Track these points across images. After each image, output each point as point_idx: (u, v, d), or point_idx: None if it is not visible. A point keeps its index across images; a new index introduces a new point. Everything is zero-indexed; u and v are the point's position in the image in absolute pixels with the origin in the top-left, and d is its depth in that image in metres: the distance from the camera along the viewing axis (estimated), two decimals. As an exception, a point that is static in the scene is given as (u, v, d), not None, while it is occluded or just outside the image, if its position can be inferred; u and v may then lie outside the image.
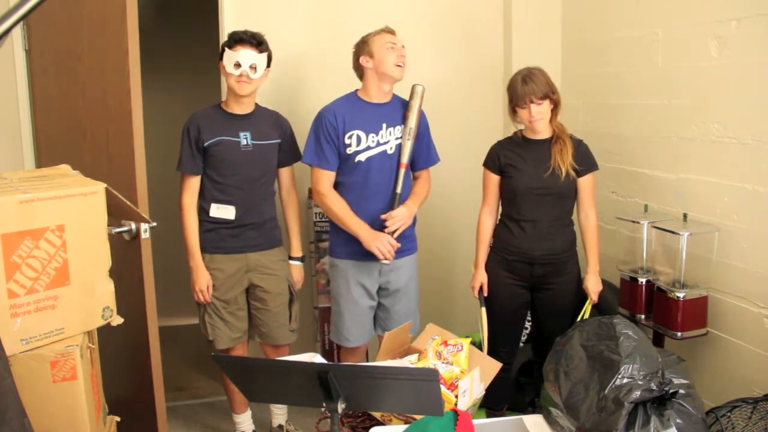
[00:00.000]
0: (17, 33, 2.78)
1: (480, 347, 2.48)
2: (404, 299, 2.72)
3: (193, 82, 4.18)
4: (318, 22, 3.29)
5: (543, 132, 2.53)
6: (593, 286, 2.58)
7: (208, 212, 2.61)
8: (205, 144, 2.57)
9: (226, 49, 2.53)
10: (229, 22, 3.13)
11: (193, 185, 2.63)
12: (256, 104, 2.69)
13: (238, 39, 2.52)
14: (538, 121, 2.45)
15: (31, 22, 2.75)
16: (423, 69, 3.09)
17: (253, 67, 2.52)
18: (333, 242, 2.70)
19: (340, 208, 2.57)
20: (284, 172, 2.76)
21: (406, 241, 2.65)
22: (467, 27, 3.49)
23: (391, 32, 2.60)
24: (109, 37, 2.25)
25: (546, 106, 2.45)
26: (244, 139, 2.60)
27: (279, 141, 2.69)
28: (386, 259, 2.52)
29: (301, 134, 2.83)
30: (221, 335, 2.67)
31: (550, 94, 2.45)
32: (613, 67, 3.06)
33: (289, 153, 2.74)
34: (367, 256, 2.58)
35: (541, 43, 3.43)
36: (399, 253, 2.58)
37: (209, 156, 2.58)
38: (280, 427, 2.95)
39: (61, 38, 2.59)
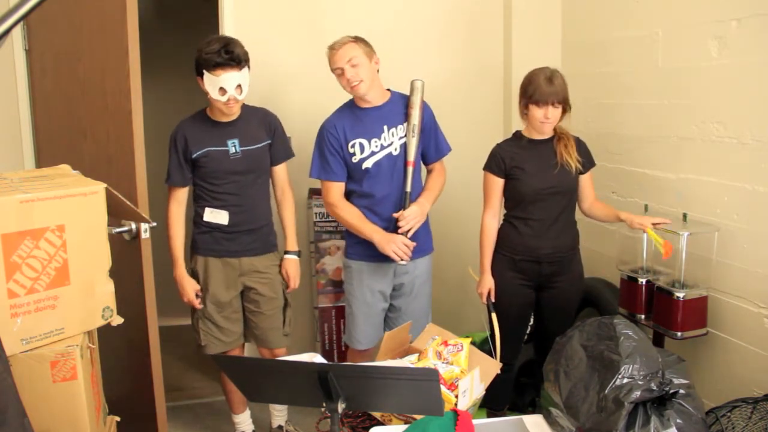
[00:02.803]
0: (17, 33, 2.78)
1: (480, 347, 2.47)
2: (417, 301, 2.71)
3: (193, 82, 4.16)
4: (321, 22, 3.28)
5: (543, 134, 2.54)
6: (642, 220, 2.44)
7: (202, 216, 2.59)
8: (193, 156, 2.53)
9: (205, 72, 2.40)
10: (229, 22, 3.13)
11: (180, 196, 2.61)
12: (242, 105, 2.61)
13: (217, 63, 2.38)
14: (549, 124, 2.46)
15: (31, 22, 2.75)
16: (423, 69, 3.08)
17: (238, 88, 2.44)
18: (347, 243, 2.70)
19: (351, 215, 2.57)
20: (278, 170, 2.71)
21: (421, 242, 2.63)
22: (467, 27, 3.49)
23: (335, 49, 2.50)
24: (109, 37, 2.25)
25: (559, 111, 2.45)
26: (233, 147, 2.54)
27: (269, 141, 2.64)
28: (403, 260, 2.52)
29: (308, 132, 2.80)
30: (213, 341, 2.65)
31: (566, 101, 2.45)
32: (613, 67, 3.06)
33: (280, 150, 2.69)
34: (380, 257, 2.57)
35: (541, 43, 3.43)
36: (414, 254, 2.56)
37: (198, 167, 2.55)
38: (280, 428, 2.94)
39: (61, 38, 2.59)
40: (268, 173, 2.70)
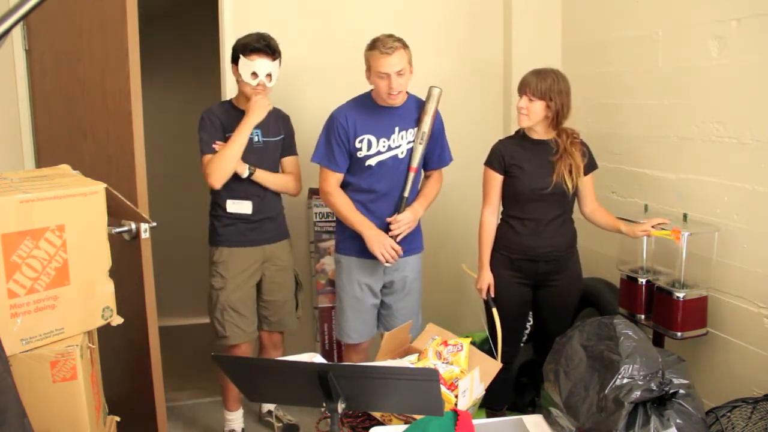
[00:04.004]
0: (17, 33, 2.78)
1: (480, 347, 2.47)
2: (407, 298, 2.72)
3: (193, 81, 4.18)
4: (320, 21, 3.29)
5: (539, 133, 2.53)
6: (643, 227, 2.45)
7: (224, 208, 2.65)
8: (226, 135, 2.60)
9: (241, 56, 2.55)
10: (228, 22, 3.13)
11: None
12: None
13: (254, 49, 2.53)
14: (523, 115, 2.48)
15: (31, 22, 2.75)
16: (423, 69, 3.08)
17: (269, 76, 2.58)
18: (338, 239, 2.72)
19: (344, 206, 2.58)
20: (288, 162, 2.80)
21: (412, 240, 2.66)
22: (467, 27, 3.49)
23: (389, 54, 2.41)
24: (109, 37, 2.25)
25: (538, 106, 2.44)
26: (256, 136, 2.66)
27: (283, 136, 2.76)
28: (388, 262, 2.54)
29: (302, 134, 2.82)
30: (236, 331, 2.69)
31: (547, 99, 2.43)
32: (613, 67, 3.06)
33: (289, 145, 2.81)
34: (370, 254, 2.59)
35: (541, 43, 3.43)
36: (405, 252, 2.59)
37: None
38: (270, 413, 3.02)
39: (61, 38, 2.59)
40: (278, 169, 2.79)
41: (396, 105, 2.55)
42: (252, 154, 2.62)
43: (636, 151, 2.94)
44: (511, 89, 3.42)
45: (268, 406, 3.03)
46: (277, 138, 2.73)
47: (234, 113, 2.64)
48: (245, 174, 2.60)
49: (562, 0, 3.45)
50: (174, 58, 4.20)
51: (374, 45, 2.46)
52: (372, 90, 2.61)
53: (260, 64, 2.54)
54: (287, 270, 2.82)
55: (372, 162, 2.56)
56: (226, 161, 2.54)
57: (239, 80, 2.60)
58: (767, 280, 2.28)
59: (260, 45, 2.54)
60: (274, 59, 2.59)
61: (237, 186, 2.62)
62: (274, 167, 2.75)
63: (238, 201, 2.65)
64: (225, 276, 2.66)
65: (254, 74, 2.55)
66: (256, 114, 2.55)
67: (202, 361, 3.69)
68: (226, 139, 2.59)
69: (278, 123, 2.75)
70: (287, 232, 2.85)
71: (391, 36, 2.47)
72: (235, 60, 2.59)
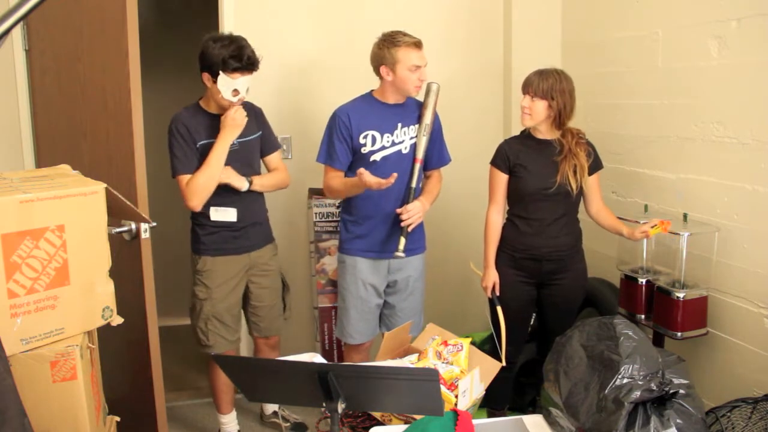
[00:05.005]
0: (17, 33, 2.78)
1: (480, 347, 2.47)
2: (410, 298, 2.74)
3: (194, 81, 4.16)
4: (320, 22, 3.29)
5: (543, 132, 2.54)
6: (642, 227, 2.42)
7: (207, 216, 2.57)
8: (197, 145, 2.52)
9: (221, 72, 2.41)
10: (229, 23, 3.13)
11: None
12: None
13: (238, 68, 2.41)
14: (525, 114, 2.49)
15: (31, 22, 2.75)
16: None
17: (247, 90, 2.50)
18: (343, 239, 2.72)
19: (341, 183, 2.61)
20: (273, 159, 2.74)
21: (415, 240, 2.67)
22: (467, 27, 3.49)
23: (419, 47, 2.51)
24: (109, 37, 2.25)
25: (540, 106, 2.45)
26: None
27: (260, 133, 2.68)
28: (398, 251, 2.53)
29: (305, 133, 2.81)
30: (220, 340, 2.64)
31: (549, 98, 2.43)
32: (613, 67, 3.06)
33: (270, 141, 2.74)
34: (375, 253, 2.61)
35: (541, 43, 3.43)
36: (408, 252, 2.59)
37: (199, 159, 2.52)
38: (275, 413, 3.00)
39: (61, 38, 2.59)
40: (259, 167, 2.71)
41: (413, 96, 2.61)
42: (227, 160, 2.50)
43: (636, 151, 2.94)
44: (511, 89, 3.42)
45: (272, 407, 3.01)
46: (254, 136, 2.63)
47: (203, 119, 2.54)
48: (245, 188, 2.54)
49: (562, 0, 3.45)
50: (174, 59, 4.20)
51: (401, 40, 2.49)
52: (374, 90, 2.64)
53: (243, 81, 2.45)
54: (274, 274, 2.76)
55: (377, 157, 2.58)
56: (207, 183, 2.45)
57: (216, 94, 2.46)
58: (767, 280, 2.28)
59: (244, 64, 2.41)
60: (253, 72, 2.49)
61: (217, 191, 2.51)
62: (254, 166, 2.66)
63: (222, 208, 2.56)
64: (209, 286, 2.60)
65: (236, 91, 2.45)
66: (233, 132, 2.48)
67: (202, 361, 3.70)
68: (198, 149, 2.50)
69: (252, 119, 2.61)
70: (272, 236, 2.78)
71: (408, 32, 2.53)
72: (209, 70, 2.43)
